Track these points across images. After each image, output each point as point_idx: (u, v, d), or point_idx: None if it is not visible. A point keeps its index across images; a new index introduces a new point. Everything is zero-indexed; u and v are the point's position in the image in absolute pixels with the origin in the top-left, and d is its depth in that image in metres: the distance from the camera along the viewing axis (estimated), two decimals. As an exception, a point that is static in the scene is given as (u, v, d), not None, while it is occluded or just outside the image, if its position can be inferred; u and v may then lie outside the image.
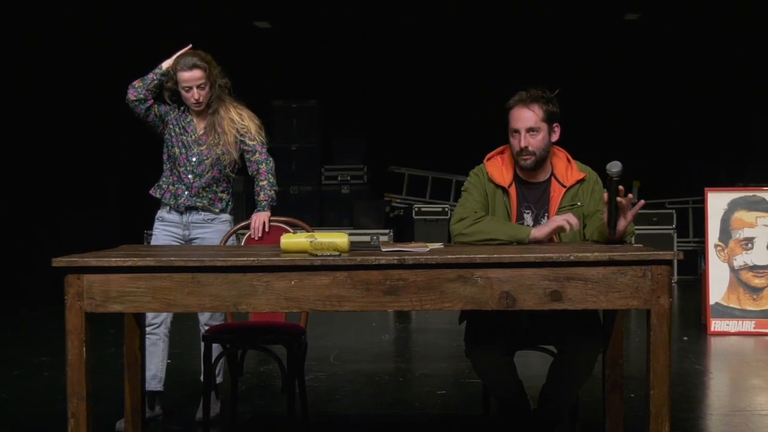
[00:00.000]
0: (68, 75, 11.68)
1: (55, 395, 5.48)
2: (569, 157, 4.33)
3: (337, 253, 3.49)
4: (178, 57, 5.00)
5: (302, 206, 12.06)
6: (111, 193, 12.77)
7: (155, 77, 5.01)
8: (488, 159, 4.35)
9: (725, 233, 7.88)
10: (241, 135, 5.03)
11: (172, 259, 3.43)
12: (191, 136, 5.05)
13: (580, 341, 4.04)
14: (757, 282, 7.80)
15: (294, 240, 3.62)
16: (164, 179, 5.15)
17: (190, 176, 5.03)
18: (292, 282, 3.39)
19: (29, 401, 5.62)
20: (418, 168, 13.17)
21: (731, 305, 7.81)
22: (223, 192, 5.13)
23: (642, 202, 4.01)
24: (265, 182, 5.05)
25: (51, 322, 6.92)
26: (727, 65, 12.16)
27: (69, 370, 3.41)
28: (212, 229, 5.08)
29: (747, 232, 7.85)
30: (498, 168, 4.30)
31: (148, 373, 4.81)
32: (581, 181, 4.24)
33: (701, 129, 12.62)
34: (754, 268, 7.83)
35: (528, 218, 4.24)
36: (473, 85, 12.87)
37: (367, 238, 11.53)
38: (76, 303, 3.40)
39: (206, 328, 4.91)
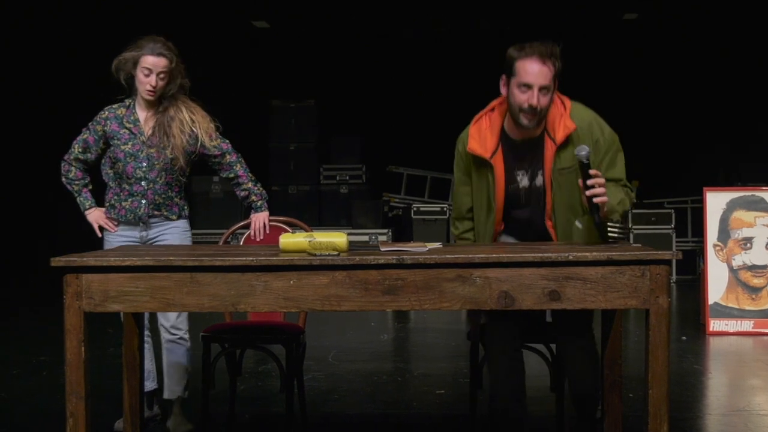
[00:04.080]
0: (65, 73, 11.68)
1: (54, 394, 5.48)
2: (564, 101, 4.03)
3: (336, 252, 3.49)
4: (144, 39, 4.69)
5: (301, 206, 12.06)
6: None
7: (72, 189, 4.87)
8: (474, 122, 4.10)
9: (724, 233, 7.88)
10: (195, 140, 4.74)
11: (171, 258, 3.43)
12: (138, 138, 4.72)
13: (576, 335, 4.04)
14: (756, 282, 7.80)
15: (293, 240, 3.63)
16: (114, 197, 4.83)
17: (143, 183, 4.72)
18: (291, 282, 3.40)
19: (28, 401, 5.61)
20: (416, 167, 13.17)
21: (730, 305, 7.81)
22: (177, 197, 4.86)
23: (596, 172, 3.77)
24: (249, 183, 4.88)
25: (50, 321, 6.91)
26: (725, 65, 12.17)
27: (67, 369, 3.41)
28: (171, 227, 4.83)
29: (746, 232, 7.85)
30: (481, 136, 4.04)
31: None
32: (570, 138, 3.94)
33: (700, 128, 12.62)
34: (752, 268, 7.83)
35: (524, 179, 4.03)
36: (471, 84, 12.86)
37: (365, 238, 11.53)
38: (75, 302, 3.40)
39: (173, 331, 4.87)
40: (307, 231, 4.44)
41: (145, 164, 4.72)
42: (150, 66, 4.64)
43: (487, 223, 4.12)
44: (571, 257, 3.37)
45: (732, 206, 7.87)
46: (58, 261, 3.41)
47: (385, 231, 11.85)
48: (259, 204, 4.92)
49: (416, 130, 13.12)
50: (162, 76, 4.67)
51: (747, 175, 10.72)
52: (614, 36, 12.81)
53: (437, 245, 3.79)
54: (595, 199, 3.73)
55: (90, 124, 4.83)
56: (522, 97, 3.87)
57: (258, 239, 4.87)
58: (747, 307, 7.78)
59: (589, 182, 3.73)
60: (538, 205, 4.06)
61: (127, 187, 4.76)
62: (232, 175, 4.89)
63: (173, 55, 4.70)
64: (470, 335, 4.55)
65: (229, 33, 12.61)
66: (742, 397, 5.80)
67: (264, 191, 4.95)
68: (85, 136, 4.82)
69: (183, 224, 4.89)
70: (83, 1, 11.12)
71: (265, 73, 13.09)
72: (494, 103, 4.12)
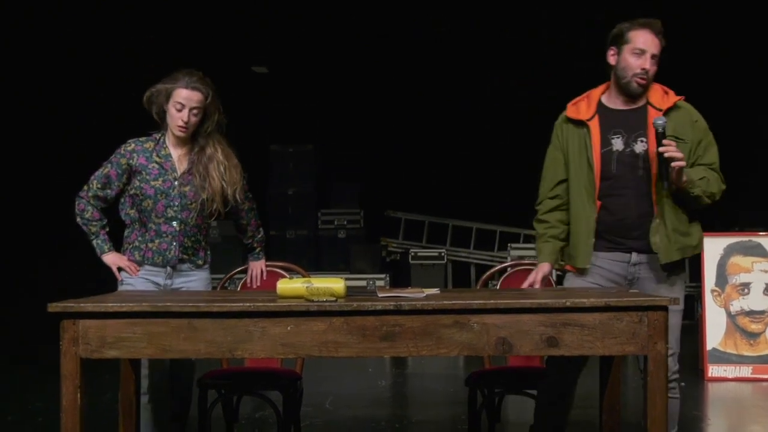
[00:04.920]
0: (64, 116, 11.72)
1: (49, 441, 5.45)
2: (666, 88, 4.27)
3: (334, 298, 3.49)
4: (180, 72, 4.49)
5: (299, 250, 12.05)
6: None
7: (87, 230, 4.56)
8: (572, 103, 4.32)
9: (722, 278, 7.88)
10: (228, 186, 4.51)
11: (168, 304, 3.43)
12: (170, 175, 4.46)
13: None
14: (754, 327, 7.78)
15: (290, 285, 3.62)
16: (139, 238, 4.54)
17: (174, 224, 4.47)
18: (288, 328, 3.39)
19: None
20: (414, 212, 13.18)
21: (728, 350, 7.79)
22: (204, 241, 4.66)
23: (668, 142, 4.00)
24: (256, 231, 4.82)
25: (46, 366, 6.88)
26: (719, 108, 12.21)
27: (63, 415, 3.39)
28: (196, 277, 4.60)
29: (743, 277, 7.85)
30: (579, 107, 4.27)
31: None
32: (676, 107, 4.18)
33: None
34: (750, 314, 7.82)
35: (618, 142, 4.18)
36: (469, 130, 12.94)
37: (363, 283, 11.51)
38: (72, 348, 3.39)
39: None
40: (304, 276, 4.44)
41: (177, 203, 4.46)
42: (183, 100, 4.40)
43: (588, 191, 4.19)
44: (568, 303, 3.37)
45: (729, 251, 7.88)
46: (55, 307, 3.40)
47: (383, 276, 11.83)
48: (258, 251, 4.87)
49: (414, 175, 13.16)
50: (195, 111, 4.42)
51: (744, 220, 10.72)
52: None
53: (435, 291, 3.79)
54: (673, 163, 3.93)
55: (112, 157, 4.52)
56: (636, 62, 4.13)
57: (255, 286, 4.86)
58: (745, 353, 7.75)
59: (663, 145, 3.95)
60: (635, 172, 4.15)
61: (154, 226, 4.48)
62: (244, 222, 4.79)
63: (209, 90, 4.46)
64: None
65: (229, 77, 12.67)
66: (741, 443, 5.77)
67: (264, 236, 4.92)
68: (106, 170, 4.51)
69: (207, 274, 4.65)
70: (86, 47, 11.20)
71: (264, 118, 13.15)
72: (588, 92, 4.34)
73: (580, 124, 4.23)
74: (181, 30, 10.97)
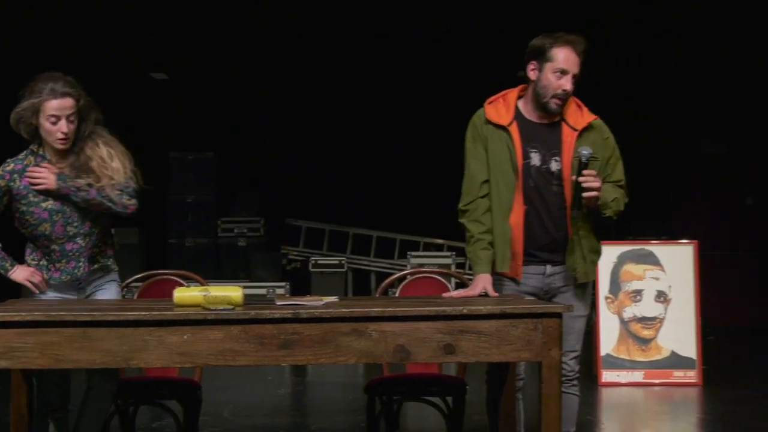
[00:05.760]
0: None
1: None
2: (580, 102, 4.25)
3: (231, 307, 3.47)
4: (40, 81, 4.12)
5: (198, 259, 11.94)
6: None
7: None
8: (489, 102, 4.24)
9: (615, 285, 8.05)
10: (117, 177, 4.18)
11: (62, 313, 3.38)
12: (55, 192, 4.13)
13: None
14: (646, 333, 7.97)
15: (187, 294, 3.60)
16: (45, 258, 4.23)
17: (78, 240, 4.19)
18: (185, 336, 3.36)
19: None
20: (315, 220, 13.18)
21: (621, 356, 7.96)
22: (110, 240, 4.36)
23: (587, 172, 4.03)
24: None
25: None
26: (623, 121, 12.48)
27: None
28: (105, 281, 4.35)
29: (636, 285, 8.03)
30: (498, 109, 4.19)
31: None
32: (591, 127, 4.17)
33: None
34: (642, 320, 8.01)
35: (536, 158, 4.14)
36: (369, 138, 12.98)
37: (263, 291, 11.44)
38: (-40, 359, 3.31)
39: None
40: (202, 285, 4.40)
41: (76, 217, 4.16)
42: (56, 111, 4.06)
43: (506, 198, 4.14)
44: (465, 311, 3.42)
45: (623, 259, 8.05)
46: (-57, 316, 3.32)
47: (284, 284, 11.78)
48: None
49: (314, 183, 13.15)
50: (72, 118, 4.09)
51: (637, 229, 10.98)
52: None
53: (334, 299, 3.80)
54: (584, 194, 3.98)
55: None
56: (558, 83, 4.08)
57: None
58: (638, 358, 7.93)
59: (583, 175, 3.97)
60: (549, 189, 4.15)
61: (57, 248, 4.18)
62: None
63: (78, 91, 4.14)
64: None
65: (128, 84, 12.50)
66: (633, 447, 5.90)
67: (86, 195, 4.17)
68: None
69: (116, 277, 4.38)
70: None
71: (163, 125, 12.99)
72: (505, 91, 4.28)
73: (501, 127, 4.16)
74: (79, 35, 10.77)
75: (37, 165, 4.17)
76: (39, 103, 4.07)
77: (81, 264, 4.22)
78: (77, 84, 4.18)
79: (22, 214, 4.17)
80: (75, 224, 4.17)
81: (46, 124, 4.09)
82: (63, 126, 4.08)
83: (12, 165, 4.19)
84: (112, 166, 4.17)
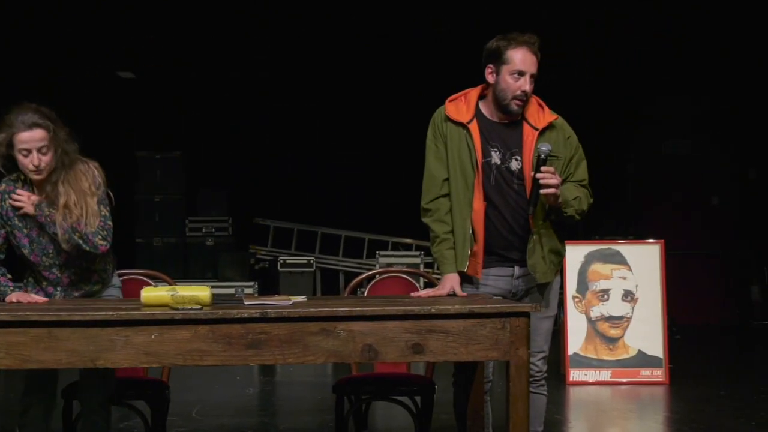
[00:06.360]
0: None
1: None
2: (541, 102, 4.24)
3: (199, 306, 3.46)
4: (12, 113, 4.07)
5: (166, 258, 11.92)
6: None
7: None
8: (450, 100, 4.22)
9: (582, 285, 8.10)
10: (90, 198, 4.15)
11: (28, 313, 3.35)
12: (34, 220, 4.12)
13: None
14: (613, 332, 8.03)
15: (154, 293, 3.58)
16: (37, 276, 4.26)
17: (54, 271, 4.20)
18: (153, 336, 3.35)
19: None
20: (283, 220, 13.15)
21: (589, 355, 8.01)
22: (92, 264, 4.27)
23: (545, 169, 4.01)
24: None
25: None
26: (589, 118, 12.55)
27: None
28: (106, 294, 4.34)
29: (603, 284, 8.08)
30: (458, 107, 4.17)
31: None
32: (552, 126, 4.16)
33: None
34: (610, 319, 8.06)
35: (496, 156, 4.13)
36: (338, 139, 12.97)
37: (231, 291, 11.41)
38: (-76, 360, 3.27)
39: None
40: (170, 284, 4.38)
41: (51, 249, 4.16)
42: (26, 145, 4.02)
43: (465, 195, 4.13)
44: (433, 310, 3.42)
45: (590, 259, 8.11)
46: None
47: (252, 284, 11.76)
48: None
49: (282, 182, 13.13)
50: (44, 150, 4.04)
51: (604, 228, 11.05)
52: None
53: (302, 298, 3.80)
54: (542, 191, 3.96)
55: None
56: (516, 84, 4.07)
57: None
58: (605, 357, 7.98)
59: (540, 171, 3.95)
60: (511, 188, 4.14)
61: (36, 274, 4.23)
62: None
63: (49, 122, 4.06)
64: None
65: (94, 83, 12.41)
66: (600, 445, 5.94)
67: (67, 237, 4.12)
68: None
69: (114, 291, 4.36)
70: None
71: (130, 124, 12.92)
72: (467, 90, 4.26)
73: (460, 125, 4.15)
74: (44, 33, 10.68)
75: (23, 188, 4.17)
76: (9, 135, 4.05)
77: (57, 292, 4.23)
78: (49, 113, 4.11)
79: (9, 234, 4.18)
80: (50, 255, 4.17)
81: (18, 156, 4.07)
82: (34, 159, 4.05)
83: (4, 186, 4.20)
84: (86, 204, 4.13)
